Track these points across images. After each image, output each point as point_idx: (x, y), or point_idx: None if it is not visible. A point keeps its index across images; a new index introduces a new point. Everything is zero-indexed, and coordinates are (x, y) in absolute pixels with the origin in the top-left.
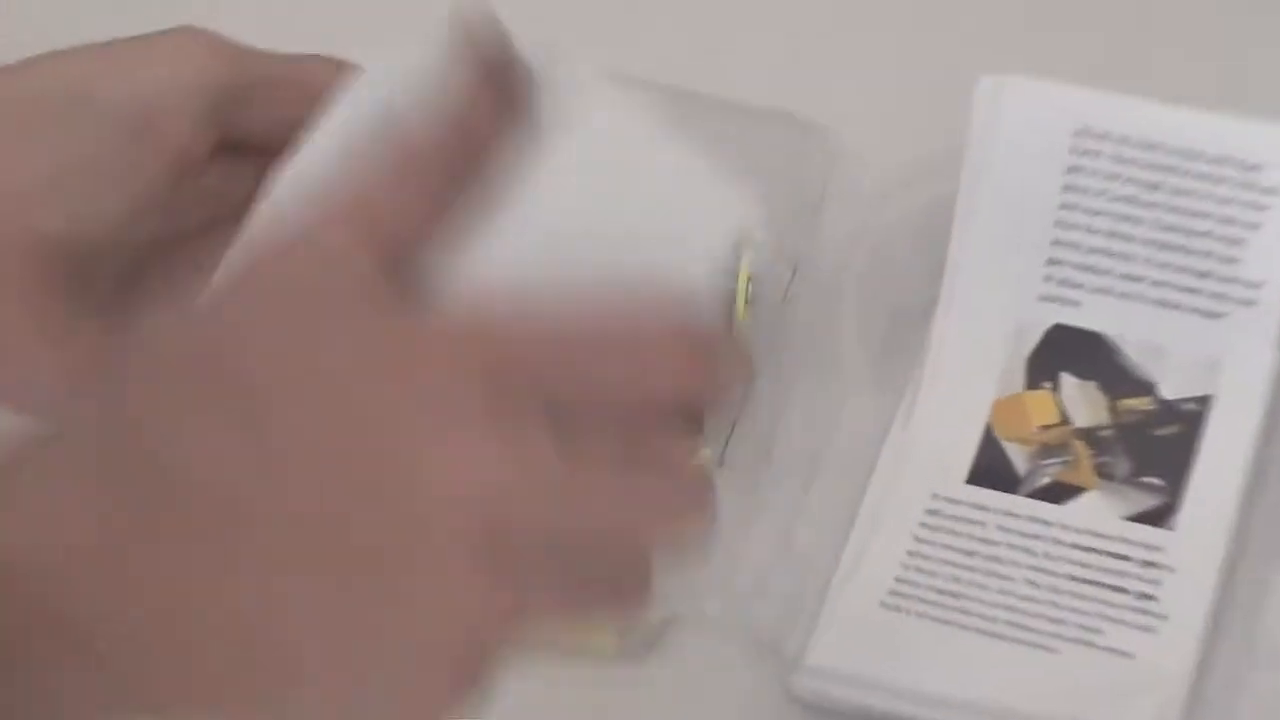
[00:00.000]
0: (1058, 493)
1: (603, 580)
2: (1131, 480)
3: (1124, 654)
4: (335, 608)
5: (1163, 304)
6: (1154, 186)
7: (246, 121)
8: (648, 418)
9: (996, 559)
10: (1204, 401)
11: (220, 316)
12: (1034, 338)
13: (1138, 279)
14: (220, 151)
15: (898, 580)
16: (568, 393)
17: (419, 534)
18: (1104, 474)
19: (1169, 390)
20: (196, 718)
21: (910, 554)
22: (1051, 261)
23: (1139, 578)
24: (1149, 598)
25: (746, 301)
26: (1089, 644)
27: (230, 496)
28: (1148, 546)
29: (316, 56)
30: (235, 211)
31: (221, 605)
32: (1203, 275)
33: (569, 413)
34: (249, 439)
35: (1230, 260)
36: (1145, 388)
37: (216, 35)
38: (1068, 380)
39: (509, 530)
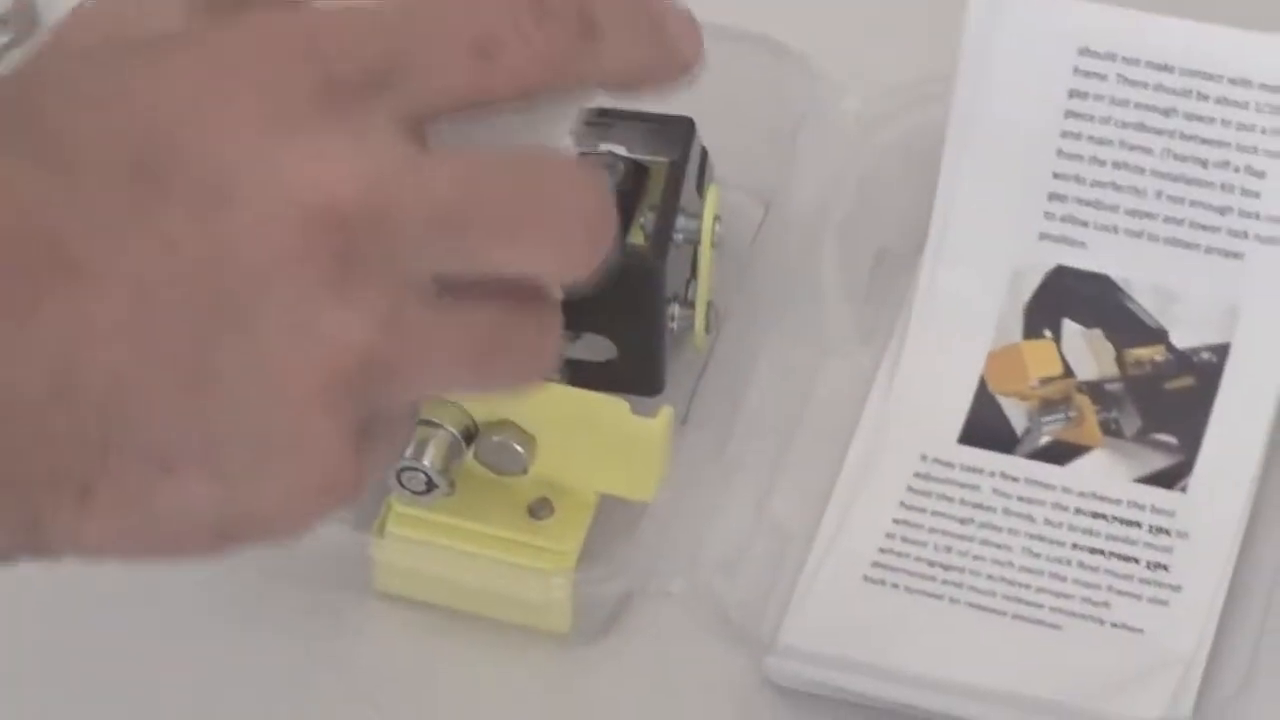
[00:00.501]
0: (1060, 453)
1: (492, 333)
2: (1141, 438)
3: (1134, 629)
4: (188, 338)
5: (1176, 243)
6: (1166, 112)
7: None
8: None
9: (992, 526)
10: (1221, 351)
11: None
12: (1033, 282)
13: (1148, 216)
14: None
15: (882, 551)
16: (403, 69)
17: (264, 246)
18: (1111, 431)
19: (1182, 339)
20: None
21: (896, 522)
22: (1053, 197)
23: (1149, 545)
24: (1161, 567)
25: (713, 244)
26: (1095, 619)
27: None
28: (1159, 511)
29: None
30: None
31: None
32: (1220, 211)
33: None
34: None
35: (1250, 194)
36: (1156, 336)
37: None
38: (1070, 328)
39: (368, 231)
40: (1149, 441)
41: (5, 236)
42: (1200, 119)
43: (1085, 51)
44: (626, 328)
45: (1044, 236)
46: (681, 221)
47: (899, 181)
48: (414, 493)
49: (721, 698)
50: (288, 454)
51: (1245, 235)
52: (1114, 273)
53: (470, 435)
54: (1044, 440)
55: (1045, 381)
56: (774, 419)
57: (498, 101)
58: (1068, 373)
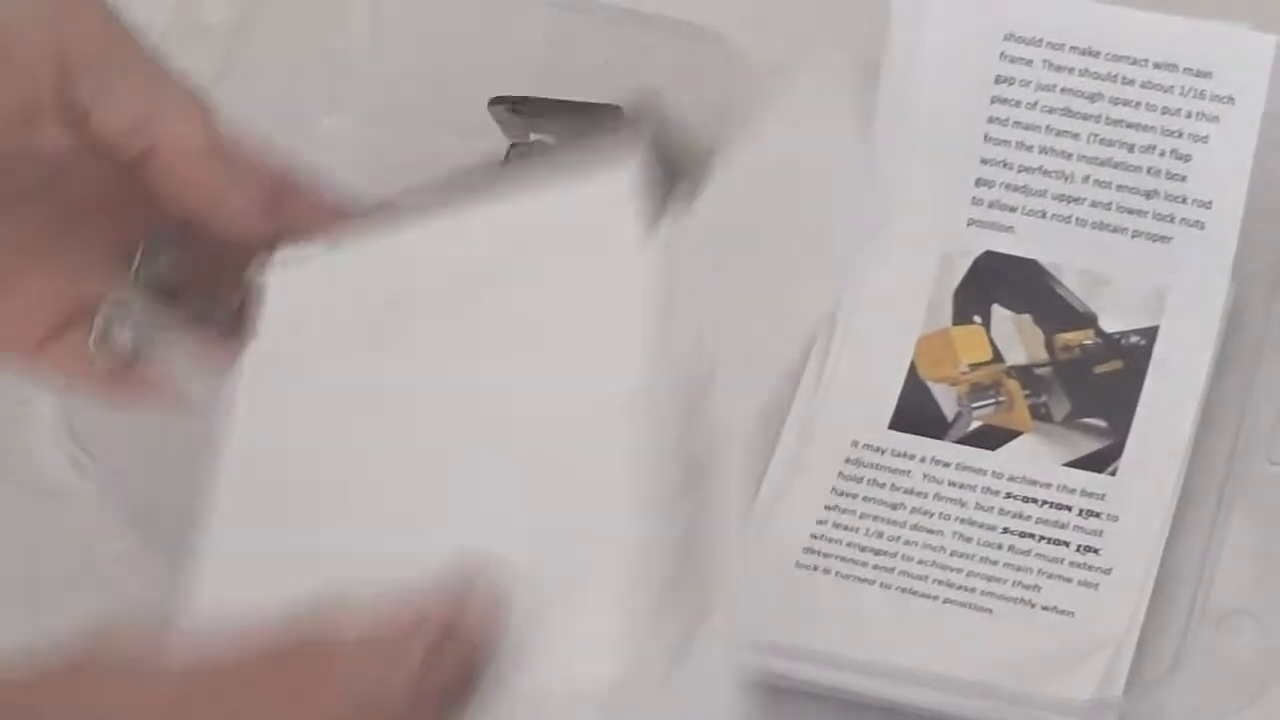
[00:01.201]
0: (990, 437)
1: None
2: (1071, 422)
3: (1064, 613)
4: None
5: (1103, 227)
6: (1092, 97)
7: (102, 111)
8: None
9: (923, 511)
10: (1150, 334)
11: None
12: (962, 267)
13: (1076, 200)
14: (68, 129)
15: (814, 537)
16: None
17: None
18: (1040, 416)
19: (1111, 323)
20: None
21: (828, 508)
22: (980, 182)
23: (1080, 529)
24: (1091, 550)
25: None
26: (1026, 603)
27: None
28: (1089, 494)
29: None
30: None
31: None
32: (1148, 195)
33: None
34: None
35: (1177, 178)
36: (1085, 320)
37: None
38: (1000, 313)
39: None
40: (1079, 425)
41: None
42: (1126, 103)
43: (1011, 37)
44: None
45: (972, 222)
46: None
47: None
48: None
49: None
50: None
51: (1172, 219)
52: (1042, 257)
53: None
54: (974, 425)
55: (975, 367)
56: None
57: None
58: (997, 358)
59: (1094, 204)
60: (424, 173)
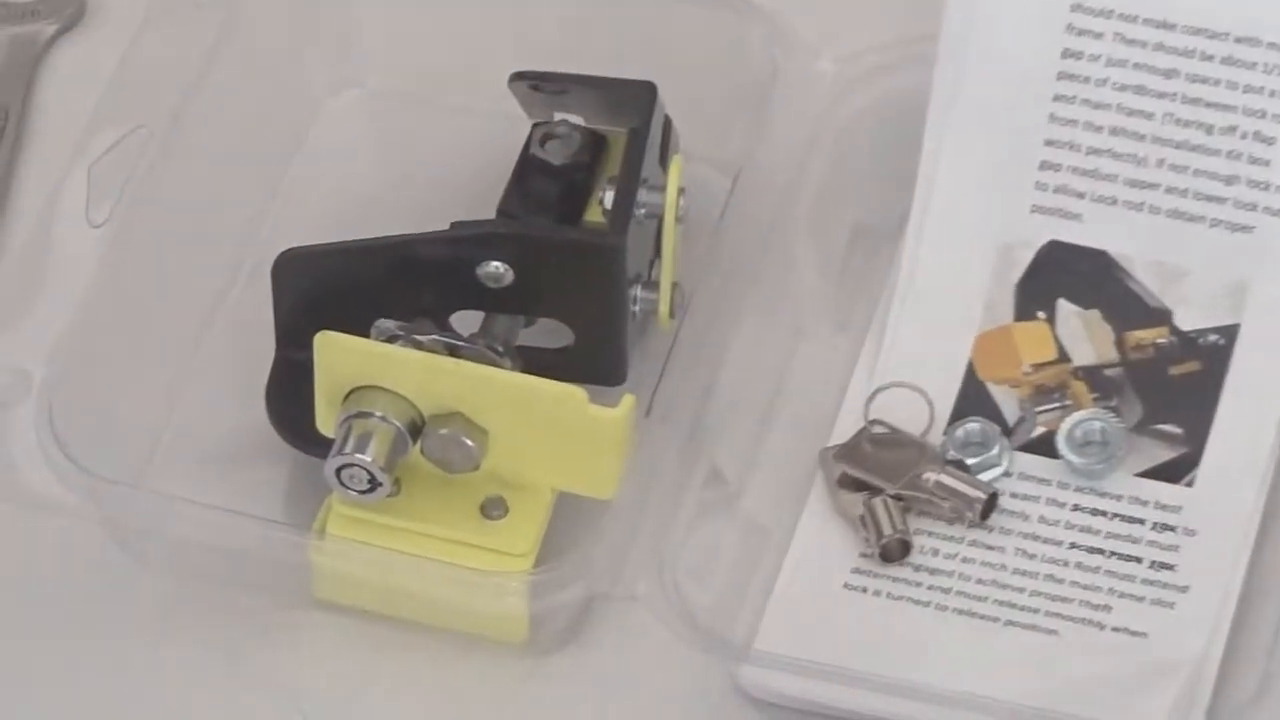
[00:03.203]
0: (1055, 445)
1: None
2: (1144, 428)
3: (1137, 634)
4: None
5: (1179, 215)
6: (1167, 73)
7: None
8: None
9: (983, 526)
10: (1230, 333)
11: None
12: (1025, 258)
13: (1149, 186)
14: None
15: (863, 556)
16: None
17: None
18: None
19: (1188, 319)
20: None
21: None
22: (1045, 166)
23: (1153, 544)
24: (1166, 567)
25: (678, 219)
26: (1095, 624)
27: None
28: (1163, 507)
29: None
30: None
31: None
32: (1227, 180)
33: None
34: None
35: (1260, 162)
36: (1159, 317)
37: None
38: (1065, 309)
39: None
40: (1152, 432)
41: None
42: (1205, 81)
43: (1079, 8)
44: (585, 312)
45: (1036, 209)
46: (643, 196)
47: (877, 150)
48: (356, 492)
49: (691, 710)
50: None
51: (1254, 207)
52: (1112, 248)
53: (416, 429)
54: (1037, 431)
55: (1038, 367)
56: (745, 409)
57: None
58: (1063, 357)
59: (1169, 190)
60: (441, 158)
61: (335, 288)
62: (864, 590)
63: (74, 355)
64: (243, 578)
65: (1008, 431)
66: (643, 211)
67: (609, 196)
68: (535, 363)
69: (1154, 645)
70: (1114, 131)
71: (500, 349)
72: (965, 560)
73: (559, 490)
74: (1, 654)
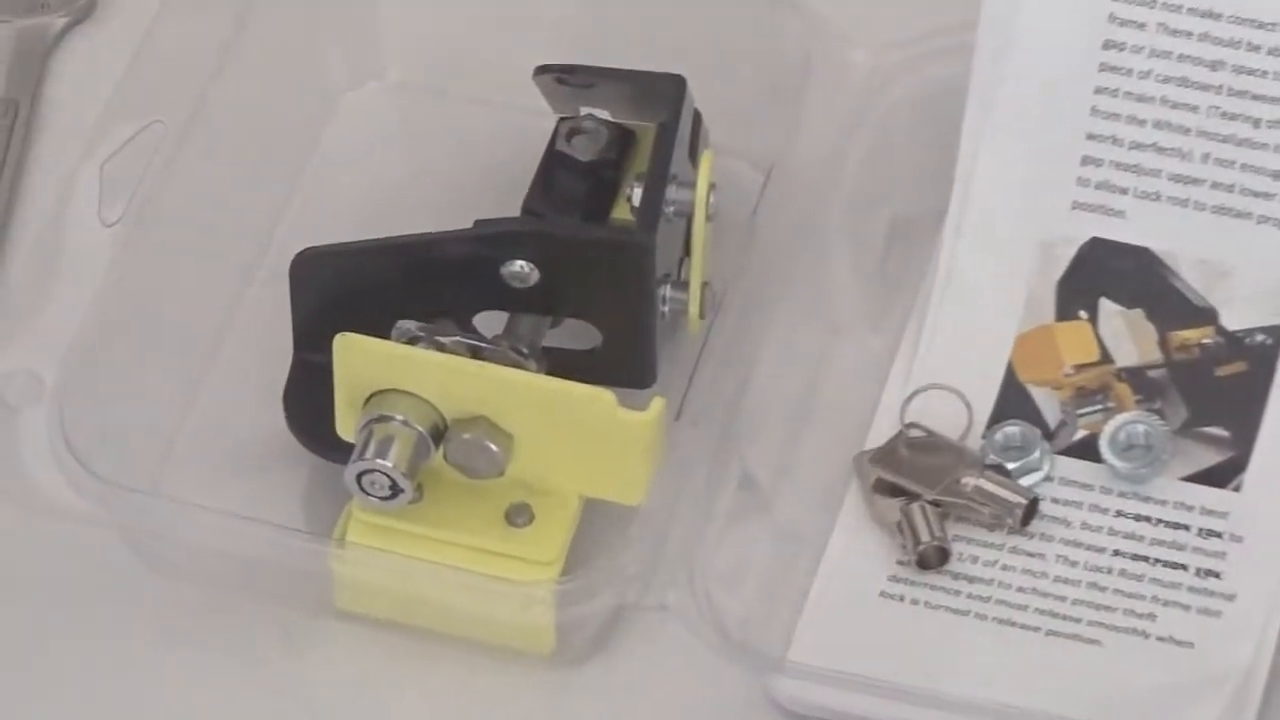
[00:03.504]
0: (1098, 448)
1: None
2: (1189, 431)
3: (1182, 644)
4: None
5: (1225, 212)
6: (1213, 65)
7: None
8: None
9: (1023, 533)
10: (1277, 332)
11: None
12: (1066, 256)
13: (1194, 181)
14: None
15: (899, 563)
16: None
17: None
18: None
19: (1234, 319)
20: None
21: None
22: (1087, 161)
23: (1199, 550)
24: (1212, 574)
25: (708, 216)
26: (1139, 633)
27: None
28: (1209, 512)
29: None
30: None
31: None
32: (1275, 176)
33: None
34: None
35: None
36: (1204, 316)
37: None
38: (1108, 308)
39: None
40: (1197, 435)
41: None
42: (1252, 73)
43: None
44: (612, 312)
45: (1077, 205)
46: (673, 192)
47: (914, 144)
48: (377, 498)
49: None
50: None
51: None
52: (1156, 245)
53: (438, 433)
54: (1079, 435)
55: (1080, 368)
56: (778, 411)
57: None
58: (1105, 358)
59: (1214, 185)
60: (464, 154)
61: (355, 288)
62: (901, 599)
63: (86, 358)
64: (261, 587)
65: (1049, 435)
66: (672, 209)
67: (637, 193)
68: (561, 365)
69: (1200, 655)
70: (1158, 125)
71: (525, 350)
72: (1005, 568)
73: (586, 496)
74: (14, 661)
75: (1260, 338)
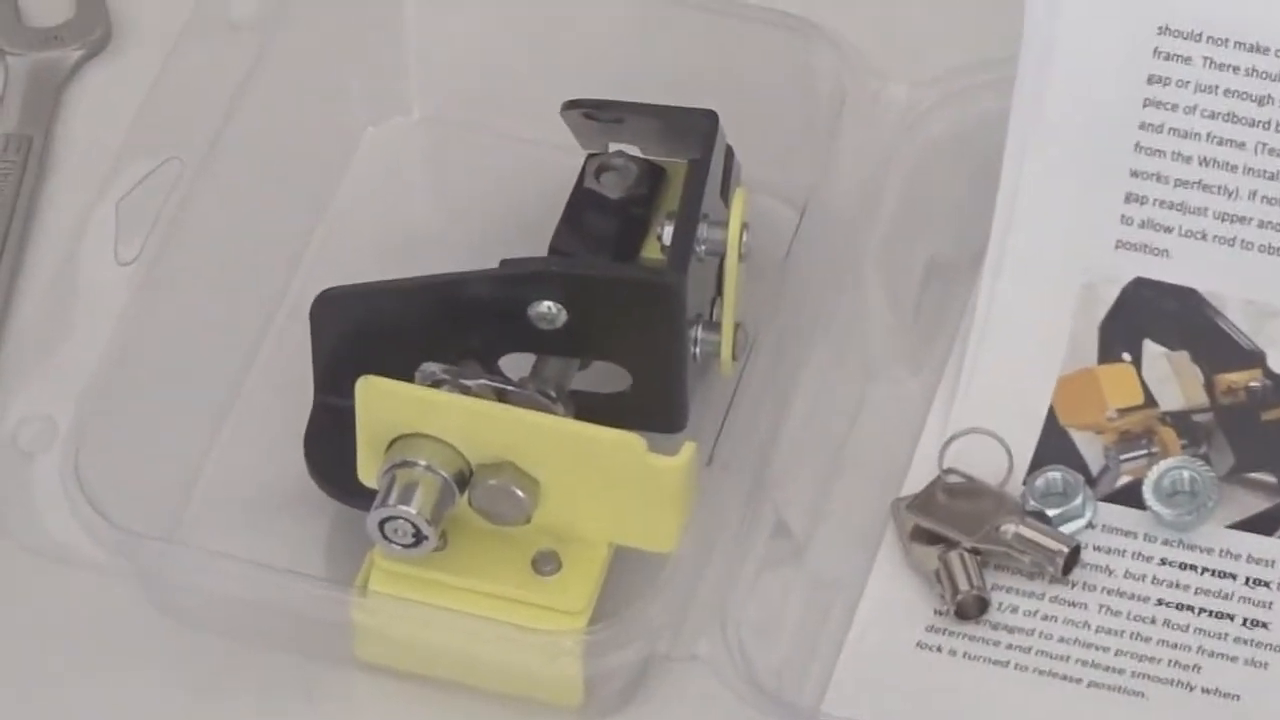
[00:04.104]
0: (1141, 494)
1: None
2: (1235, 477)
3: (1228, 696)
4: None
5: (1273, 251)
6: (1261, 100)
7: None
8: None
9: (1065, 581)
10: None
11: None
12: (1109, 296)
13: (1241, 220)
14: None
15: (937, 613)
16: None
17: None
18: None
19: None
20: None
21: None
22: (1130, 199)
23: (1246, 600)
24: (1259, 625)
25: (741, 255)
26: (1184, 685)
27: None
28: (1256, 560)
29: None
30: None
31: None
32: None
33: None
34: None
35: None
36: (1252, 359)
37: None
38: (1152, 350)
39: None
40: (1244, 481)
41: None
42: None
43: (1166, 30)
44: (642, 354)
45: (1121, 244)
46: (704, 231)
47: (952, 182)
48: (400, 545)
49: None
50: None
51: None
52: (1202, 286)
53: (464, 479)
54: (1123, 480)
55: (1124, 412)
56: (813, 456)
57: None
58: (1149, 402)
59: (1262, 224)
60: (490, 192)
61: (377, 329)
62: (938, 649)
63: (102, 401)
64: (280, 636)
65: (1091, 481)
66: (703, 248)
67: (668, 232)
68: (590, 408)
69: (1247, 708)
70: (1203, 162)
71: (553, 394)
72: (1046, 618)
73: (615, 544)
74: (30, 712)
75: None
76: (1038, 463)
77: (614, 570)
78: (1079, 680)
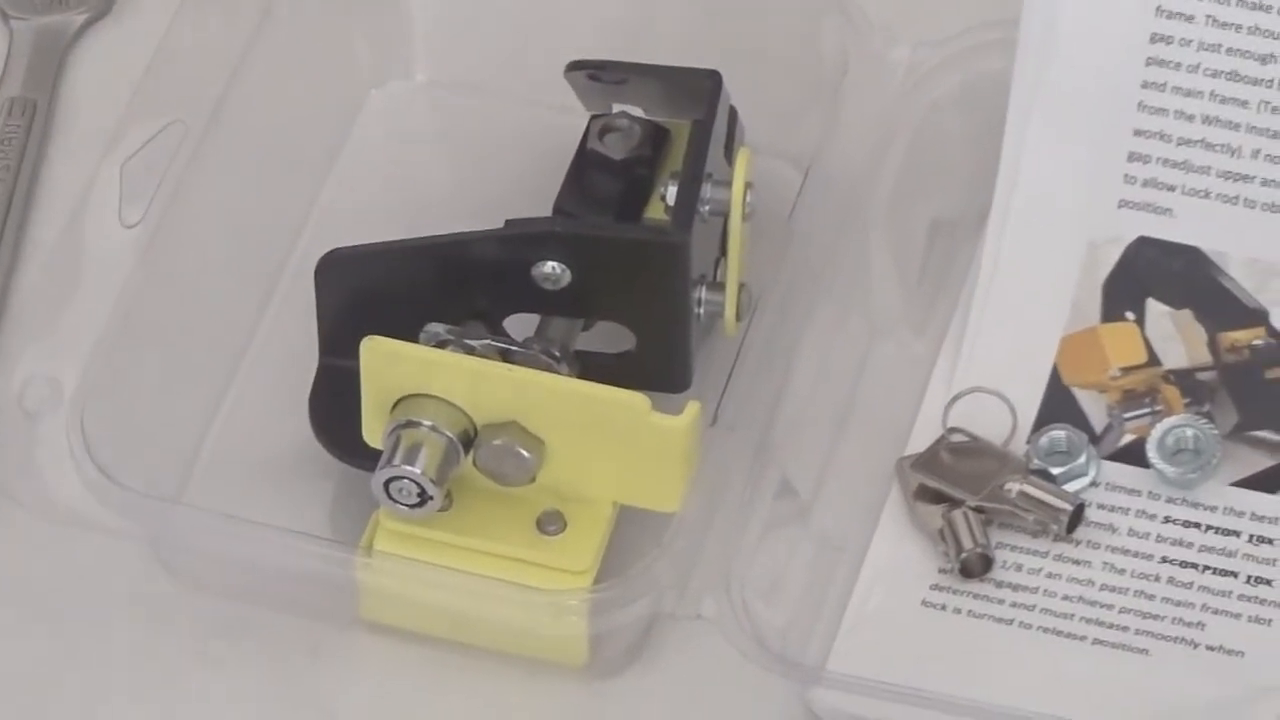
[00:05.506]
0: (1144, 453)
1: None
2: (1239, 435)
3: (1233, 653)
4: None
5: (1276, 210)
6: (1264, 58)
7: None
8: None
9: (1069, 539)
10: None
11: None
12: (1112, 256)
13: (1244, 178)
14: None
15: (941, 572)
16: None
17: None
18: None
19: None
20: None
21: None
22: (1133, 158)
23: (1250, 557)
24: (1263, 581)
25: (745, 215)
26: (1188, 642)
27: None
28: (1260, 518)
29: None
30: None
31: None
32: None
33: None
34: None
35: None
36: (1255, 317)
37: None
38: (1156, 309)
39: None
40: (1248, 439)
41: None
42: None
43: None
44: (646, 314)
45: (1124, 204)
46: (708, 191)
47: (956, 142)
48: (405, 505)
49: None
50: None
51: None
52: (1205, 244)
53: (468, 439)
54: (1126, 439)
55: (1127, 370)
56: (817, 416)
57: None
58: (1153, 360)
59: (1265, 182)
60: (494, 153)
61: (382, 290)
62: (943, 608)
63: (107, 363)
64: (286, 596)
65: (1095, 439)
66: (707, 208)
67: (671, 192)
68: (594, 368)
69: (1251, 665)
70: (1207, 121)
71: (557, 354)
72: (1050, 576)
73: (620, 504)
74: (38, 676)
75: None
76: (1041, 421)
77: (618, 530)
78: (1083, 638)
